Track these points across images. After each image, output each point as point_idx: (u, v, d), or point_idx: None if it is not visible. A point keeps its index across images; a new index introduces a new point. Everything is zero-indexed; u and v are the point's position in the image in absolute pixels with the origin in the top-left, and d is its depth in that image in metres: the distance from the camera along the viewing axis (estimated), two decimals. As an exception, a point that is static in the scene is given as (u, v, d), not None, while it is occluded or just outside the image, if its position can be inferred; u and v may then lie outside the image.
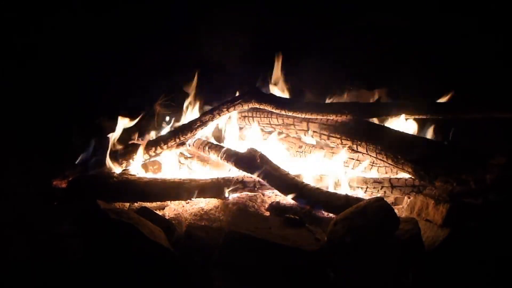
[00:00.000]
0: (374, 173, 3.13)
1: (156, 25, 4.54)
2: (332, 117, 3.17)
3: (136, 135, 3.44)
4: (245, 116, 3.64)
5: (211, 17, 4.25)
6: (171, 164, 3.44)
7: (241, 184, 3.00)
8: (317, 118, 3.26)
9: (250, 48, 4.32)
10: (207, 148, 3.35)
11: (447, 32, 4.22)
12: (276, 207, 2.84)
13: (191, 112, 3.71)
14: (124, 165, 3.22)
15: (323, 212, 2.76)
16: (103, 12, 4.49)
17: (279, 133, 3.59)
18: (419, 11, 4.21)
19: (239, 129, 3.73)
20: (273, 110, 3.34)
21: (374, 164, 3.13)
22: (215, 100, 3.76)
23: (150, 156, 3.29)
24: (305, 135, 3.39)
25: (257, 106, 3.40)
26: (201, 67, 4.06)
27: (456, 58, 4.11)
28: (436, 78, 4.02)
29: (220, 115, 3.43)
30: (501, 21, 4.02)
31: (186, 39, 4.43)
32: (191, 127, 3.37)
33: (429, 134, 3.27)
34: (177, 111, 3.83)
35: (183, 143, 3.39)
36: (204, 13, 4.34)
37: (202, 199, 2.99)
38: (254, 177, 3.00)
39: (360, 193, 2.94)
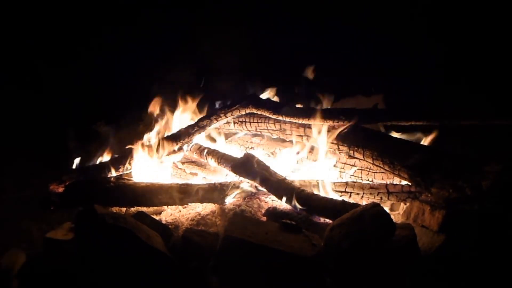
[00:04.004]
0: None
1: (154, 30, 4.56)
2: (328, 122, 3.19)
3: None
4: (242, 122, 3.65)
5: (209, 23, 4.27)
6: (168, 169, 3.44)
7: (238, 189, 3.00)
8: (314, 124, 3.27)
9: (249, 53, 4.33)
10: (204, 153, 3.35)
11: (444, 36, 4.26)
12: (272, 212, 2.84)
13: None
14: (121, 169, 3.21)
15: (320, 217, 2.77)
16: (100, 16, 4.51)
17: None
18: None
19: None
20: (270, 116, 3.35)
21: (370, 170, 3.14)
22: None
23: (147, 161, 3.29)
24: (302, 140, 3.39)
25: (254, 111, 3.41)
26: (199, 71, 4.08)
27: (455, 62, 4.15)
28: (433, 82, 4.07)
29: (217, 120, 3.43)
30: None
31: (185, 44, 4.44)
32: (188, 132, 3.37)
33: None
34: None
35: (180, 148, 3.39)
36: (203, 19, 4.36)
37: (199, 204, 3.00)
38: (251, 182, 3.00)
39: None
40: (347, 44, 4.52)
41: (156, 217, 2.81)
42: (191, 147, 3.48)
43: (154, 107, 3.73)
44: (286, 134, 3.45)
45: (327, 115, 3.21)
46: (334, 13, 4.49)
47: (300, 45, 4.57)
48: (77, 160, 3.44)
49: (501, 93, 3.62)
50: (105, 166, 3.20)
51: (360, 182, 3.08)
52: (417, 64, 4.23)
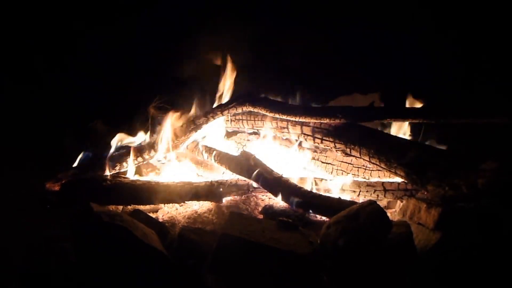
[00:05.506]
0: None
1: (153, 29, 4.55)
2: (325, 120, 3.19)
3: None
4: (239, 119, 3.65)
5: (210, 22, 4.25)
6: (165, 167, 3.43)
7: (235, 187, 3.00)
8: (310, 122, 3.27)
9: (248, 53, 4.32)
10: (201, 151, 3.35)
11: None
12: (269, 210, 2.85)
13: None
14: (118, 168, 3.21)
15: (316, 215, 2.78)
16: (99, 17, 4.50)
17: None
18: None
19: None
20: (267, 114, 3.35)
21: (367, 168, 3.15)
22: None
23: (145, 159, 3.28)
24: (298, 138, 3.40)
25: (251, 109, 3.41)
26: (197, 71, 4.07)
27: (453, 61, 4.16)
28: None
29: (214, 118, 3.43)
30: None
31: (183, 43, 4.43)
32: (185, 130, 3.37)
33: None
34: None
35: (177, 146, 3.39)
36: (202, 19, 4.34)
37: (195, 202, 3.00)
38: (248, 180, 3.01)
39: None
40: (347, 42, 4.53)
41: (153, 215, 2.81)
42: (188, 145, 3.47)
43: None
44: (283, 132, 3.45)
45: (324, 113, 3.21)
46: (336, 9, 4.48)
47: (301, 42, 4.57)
48: (74, 159, 3.43)
49: (500, 92, 3.63)
50: (101, 165, 3.19)
51: (356, 180, 3.08)
52: (415, 61, 4.24)
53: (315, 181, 3.08)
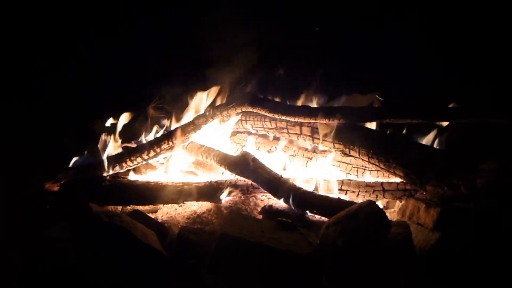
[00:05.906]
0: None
1: (151, 28, 4.55)
2: (325, 121, 3.19)
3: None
4: (238, 120, 3.64)
5: (209, 19, 4.25)
6: (164, 167, 3.44)
7: (234, 188, 3.00)
8: (310, 122, 3.27)
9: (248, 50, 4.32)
10: (200, 151, 3.35)
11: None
12: (268, 211, 2.85)
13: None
14: (117, 168, 3.21)
15: (316, 215, 2.78)
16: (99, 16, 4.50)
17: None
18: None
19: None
20: (267, 114, 3.34)
21: (366, 168, 3.15)
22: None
23: (144, 160, 3.28)
24: (297, 138, 3.40)
25: (250, 109, 3.41)
26: (197, 69, 4.07)
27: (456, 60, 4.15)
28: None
29: (213, 118, 3.43)
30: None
31: (182, 42, 4.43)
32: (184, 130, 3.37)
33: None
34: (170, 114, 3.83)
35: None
36: (202, 16, 4.34)
37: (194, 202, 3.00)
38: (247, 180, 3.01)
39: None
40: (346, 42, 4.52)
41: (152, 216, 2.81)
42: (188, 145, 3.47)
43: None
44: (283, 133, 3.45)
45: (323, 113, 3.21)
46: (336, 9, 4.48)
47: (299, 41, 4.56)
48: (73, 159, 3.43)
49: (500, 91, 3.62)
50: (101, 165, 3.20)
51: (355, 180, 3.08)
52: (415, 61, 4.23)
53: (313, 181, 3.08)
